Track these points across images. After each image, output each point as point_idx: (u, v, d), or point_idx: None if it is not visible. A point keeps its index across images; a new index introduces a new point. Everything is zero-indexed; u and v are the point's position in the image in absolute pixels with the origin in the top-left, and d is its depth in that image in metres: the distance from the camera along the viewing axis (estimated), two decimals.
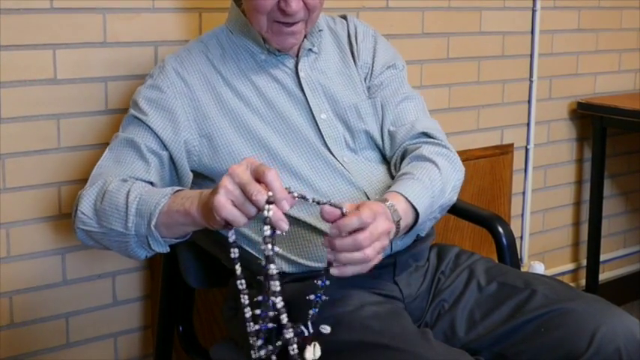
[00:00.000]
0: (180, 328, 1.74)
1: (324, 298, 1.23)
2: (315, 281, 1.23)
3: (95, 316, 1.85)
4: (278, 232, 1.11)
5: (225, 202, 1.12)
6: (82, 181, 1.76)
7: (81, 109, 1.76)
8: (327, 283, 1.22)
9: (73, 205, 1.41)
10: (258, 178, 1.12)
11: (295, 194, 1.13)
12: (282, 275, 1.43)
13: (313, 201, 1.17)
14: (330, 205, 1.19)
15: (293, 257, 1.46)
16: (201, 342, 1.75)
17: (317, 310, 1.23)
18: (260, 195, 1.10)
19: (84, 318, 1.84)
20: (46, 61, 1.71)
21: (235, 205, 1.13)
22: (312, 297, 1.23)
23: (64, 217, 1.77)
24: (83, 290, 1.83)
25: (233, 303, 1.52)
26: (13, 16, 1.65)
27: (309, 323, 1.20)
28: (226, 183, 1.13)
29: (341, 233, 1.18)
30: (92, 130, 1.78)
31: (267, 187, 1.11)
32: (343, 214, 1.19)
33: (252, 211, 1.13)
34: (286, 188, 1.13)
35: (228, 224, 1.14)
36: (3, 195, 1.70)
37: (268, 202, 1.09)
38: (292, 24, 1.49)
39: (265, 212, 1.09)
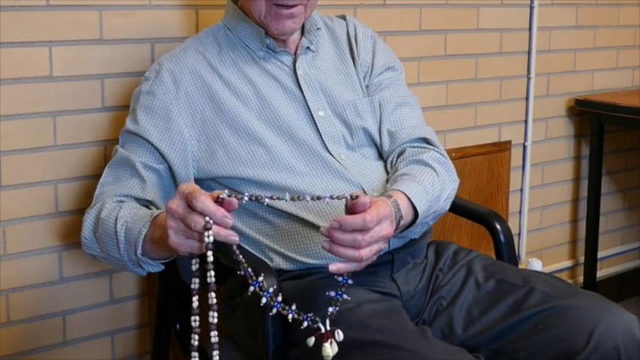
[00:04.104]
0: (178, 327, 1.74)
1: (345, 297, 1.22)
2: (336, 277, 1.22)
3: (92, 315, 1.85)
4: (234, 244, 1.15)
5: (179, 240, 1.16)
6: (79, 178, 1.76)
7: (77, 107, 1.75)
8: (350, 281, 1.22)
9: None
10: (193, 207, 1.13)
11: (238, 197, 1.15)
12: (280, 272, 1.43)
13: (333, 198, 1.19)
14: (331, 198, 1.20)
15: (291, 254, 1.46)
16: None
17: (337, 308, 1.22)
18: (198, 225, 1.12)
19: (81, 316, 1.83)
20: (42, 59, 1.70)
21: (189, 237, 1.15)
22: (332, 294, 1.22)
23: (60, 214, 1.76)
24: (80, 288, 1.82)
25: (231, 301, 1.52)
26: (9, 13, 1.65)
27: (327, 321, 1.20)
28: (170, 222, 1.16)
29: (341, 228, 1.18)
30: (89, 127, 1.77)
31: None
32: (351, 198, 1.20)
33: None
34: (227, 195, 1.14)
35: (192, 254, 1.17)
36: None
37: (206, 228, 1.12)
38: (291, 6, 1.49)
39: (205, 239, 1.12)
